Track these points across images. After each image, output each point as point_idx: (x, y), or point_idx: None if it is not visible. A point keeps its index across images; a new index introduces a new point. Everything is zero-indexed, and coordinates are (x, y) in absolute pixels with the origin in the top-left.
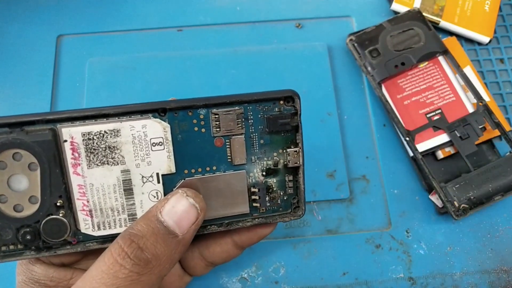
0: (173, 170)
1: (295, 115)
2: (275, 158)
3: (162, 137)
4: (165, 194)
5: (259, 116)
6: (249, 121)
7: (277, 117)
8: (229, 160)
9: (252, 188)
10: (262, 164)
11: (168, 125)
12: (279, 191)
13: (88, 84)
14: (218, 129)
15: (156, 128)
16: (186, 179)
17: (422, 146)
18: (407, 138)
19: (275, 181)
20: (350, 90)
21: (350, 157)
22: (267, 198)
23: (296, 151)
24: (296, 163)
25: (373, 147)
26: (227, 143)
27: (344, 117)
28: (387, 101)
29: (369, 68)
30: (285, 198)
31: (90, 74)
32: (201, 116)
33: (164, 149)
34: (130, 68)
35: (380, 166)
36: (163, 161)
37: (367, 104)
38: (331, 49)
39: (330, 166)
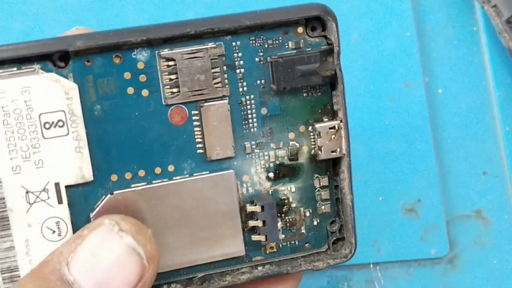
0: (88, 175)
1: (329, 56)
2: (291, 143)
3: (64, 111)
4: (74, 226)
5: (257, 60)
6: (238, 70)
7: (293, 61)
8: (199, 150)
9: (248, 205)
10: (266, 157)
11: (75, 86)
12: (301, 209)
13: None
14: (175, 90)
15: (51, 93)
16: (116, 192)
17: None
18: None
19: (293, 189)
20: (449, 38)
21: (451, 175)
22: (279, 224)
23: (333, 128)
24: (336, 151)
25: (497, 153)
26: (194, 118)
27: (437, 92)
28: None
29: None
30: (314, 222)
31: None
32: (141, 65)
33: (68, 133)
34: None
35: None
36: (68, 158)
37: (485, 67)
38: None
39: (408, 191)
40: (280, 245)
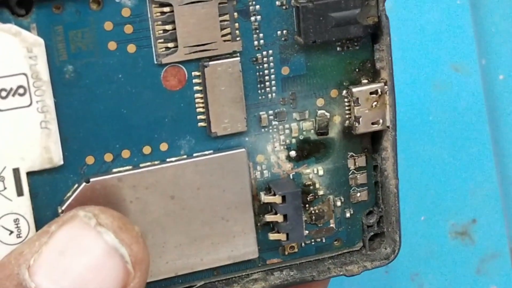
0: (57, 158)
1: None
2: (320, 112)
3: (25, 74)
4: (38, 225)
5: (278, 4)
6: (252, 17)
7: (326, 5)
8: (201, 123)
9: (263, 194)
10: (287, 131)
11: (40, 41)
12: (331, 197)
13: None
14: (171, 45)
15: (7, 51)
16: (94, 179)
17: None
18: None
19: (320, 171)
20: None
21: None
22: (303, 217)
23: (375, 93)
24: (377, 122)
25: None
26: (195, 81)
27: (497, 78)
28: None
29: None
30: (347, 213)
31: None
32: (126, 12)
33: (30, 104)
34: None
35: None
36: (30, 136)
37: None
38: None
39: (460, 209)
40: (303, 244)
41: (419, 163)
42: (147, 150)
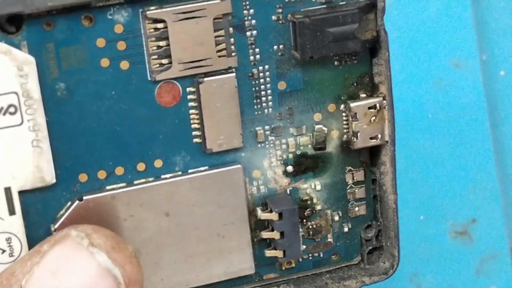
0: (50, 176)
1: (370, 13)
2: (317, 127)
3: (16, 93)
4: (31, 244)
5: (274, 18)
6: (248, 32)
7: (323, 21)
8: (196, 140)
9: (260, 209)
10: (284, 146)
11: (31, 59)
12: (329, 212)
13: None
14: (165, 62)
15: None
16: (87, 197)
17: None
18: None
19: (318, 186)
20: None
21: None
22: (300, 232)
23: (373, 107)
24: (376, 137)
25: None
26: (189, 97)
27: (498, 74)
28: None
29: None
30: (345, 228)
31: None
32: (119, 28)
33: (21, 123)
34: None
35: None
36: (22, 154)
37: None
38: None
39: (459, 208)
40: (300, 258)
41: (418, 161)
42: (141, 167)
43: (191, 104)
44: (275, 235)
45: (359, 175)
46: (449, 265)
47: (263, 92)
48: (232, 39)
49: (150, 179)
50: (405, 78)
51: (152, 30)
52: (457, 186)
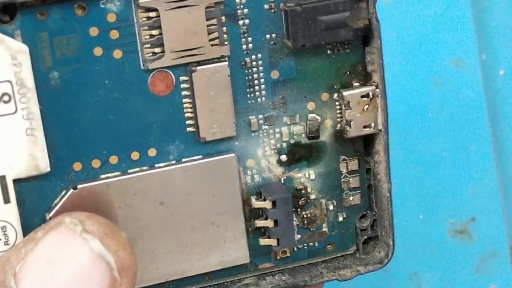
0: (44, 165)
1: (362, 1)
2: (310, 116)
3: (10, 81)
4: (26, 232)
5: (267, 7)
6: (241, 21)
7: (315, 9)
8: (190, 128)
9: (254, 198)
10: (277, 135)
11: (25, 48)
12: (323, 201)
13: None
14: (158, 50)
15: None
16: (81, 186)
17: None
18: None
19: (312, 175)
20: None
21: None
22: (294, 222)
23: (366, 96)
24: (369, 125)
25: None
26: (183, 86)
27: (497, 74)
28: None
29: None
30: (339, 217)
31: None
32: (111, 17)
33: (15, 111)
34: None
35: None
36: (16, 143)
37: None
38: None
39: (459, 207)
40: (295, 248)
41: (418, 160)
42: (135, 155)
43: (184, 93)
44: (269, 223)
45: (353, 164)
46: (449, 264)
47: (256, 81)
48: (224, 28)
49: (144, 168)
50: (405, 77)
51: (144, 19)
52: (456, 185)
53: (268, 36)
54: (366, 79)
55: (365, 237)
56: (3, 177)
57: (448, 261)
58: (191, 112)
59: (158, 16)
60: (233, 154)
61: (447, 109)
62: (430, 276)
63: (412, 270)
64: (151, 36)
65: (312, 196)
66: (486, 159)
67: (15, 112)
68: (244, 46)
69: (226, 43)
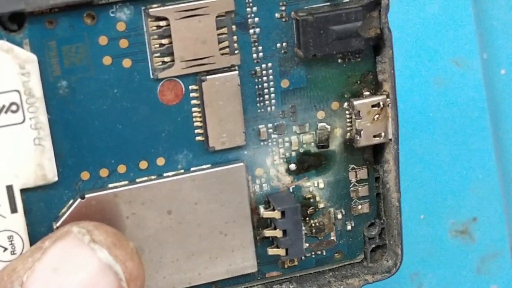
0: (52, 174)
1: (374, 11)
2: (320, 125)
3: (18, 91)
4: (32, 241)
5: (277, 16)
6: (251, 30)
7: (327, 19)
8: (199, 138)
9: (262, 208)
10: (287, 144)
11: (33, 57)
12: (332, 210)
13: None
14: (167, 60)
15: (0, 66)
16: (89, 195)
17: None
18: None
19: (321, 184)
20: None
21: None
22: (303, 230)
23: (377, 105)
24: (379, 135)
25: None
26: (192, 95)
27: (499, 73)
28: None
29: None
30: (348, 226)
31: None
32: (121, 26)
33: (23, 120)
34: None
35: None
36: (24, 152)
37: None
38: None
39: (460, 207)
40: (303, 256)
41: (419, 160)
42: (143, 165)
43: (194, 102)
44: (278, 233)
45: (363, 173)
46: (450, 264)
47: (266, 90)
48: (235, 37)
49: (153, 177)
50: (406, 76)
51: (154, 28)
52: (457, 185)
53: (278, 45)
54: (376, 88)
55: (373, 245)
56: (11, 186)
57: (449, 261)
58: (200, 122)
59: (168, 25)
60: (242, 163)
61: (447, 109)
62: (431, 276)
63: (413, 270)
64: (161, 45)
65: (321, 205)
66: (487, 159)
67: (23, 121)
68: (255, 55)
69: (236, 52)
